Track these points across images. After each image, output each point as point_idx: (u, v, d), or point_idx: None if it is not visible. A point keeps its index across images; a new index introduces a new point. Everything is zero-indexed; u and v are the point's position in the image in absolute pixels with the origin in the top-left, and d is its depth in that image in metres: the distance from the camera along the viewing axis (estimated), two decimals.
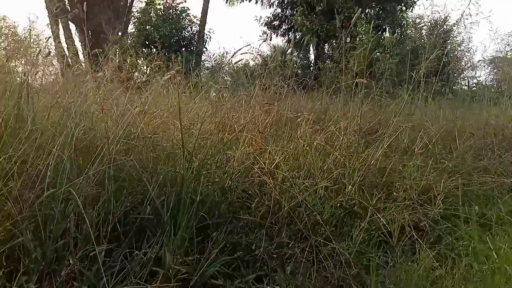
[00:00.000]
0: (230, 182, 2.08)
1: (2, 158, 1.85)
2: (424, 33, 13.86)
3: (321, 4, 11.98)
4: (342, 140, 2.73)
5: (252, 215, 2.08)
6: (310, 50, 17.40)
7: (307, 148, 2.67)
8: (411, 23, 12.83)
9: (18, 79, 2.74)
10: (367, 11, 12.67)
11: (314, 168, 2.50)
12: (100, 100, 2.82)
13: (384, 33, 12.27)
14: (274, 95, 3.85)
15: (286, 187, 2.16)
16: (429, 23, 13.43)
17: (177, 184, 1.97)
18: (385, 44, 11.54)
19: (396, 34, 12.40)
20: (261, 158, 2.37)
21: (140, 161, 2.18)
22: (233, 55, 3.12)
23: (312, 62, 17.01)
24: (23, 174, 1.94)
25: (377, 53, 11.35)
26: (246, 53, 3.52)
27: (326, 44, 14.55)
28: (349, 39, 11.88)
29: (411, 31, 12.86)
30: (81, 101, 2.56)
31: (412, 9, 12.63)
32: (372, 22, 11.72)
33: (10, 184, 1.83)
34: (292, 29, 16.24)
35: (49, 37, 2.97)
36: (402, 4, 12.31)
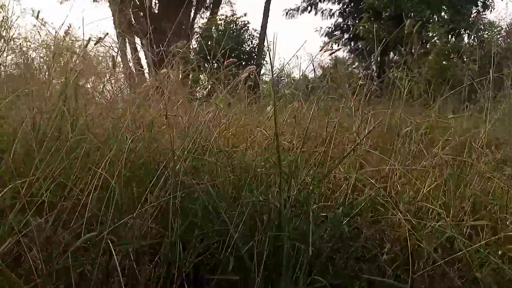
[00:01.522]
0: (350, 222, 1.36)
1: (31, 182, 1.29)
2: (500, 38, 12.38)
3: (388, 9, 11.03)
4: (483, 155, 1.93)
5: (381, 270, 1.35)
6: (372, 60, 16.34)
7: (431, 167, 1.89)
8: (489, 26, 11.47)
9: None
10: (440, 14, 11.52)
11: (450, 195, 1.72)
12: (162, 106, 2.24)
13: (458, 37, 11.04)
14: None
15: (430, 225, 1.39)
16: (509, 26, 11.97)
17: (270, 221, 1.29)
18: (461, 49, 10.35)
19: (472, 38, 11.14)
20: (380, 182, 1.64)
21: (215, 185, 1.53)
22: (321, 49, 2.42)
23: (375, 72, 15.95)
24: (59, 204, 1.36)
25: (453, 59, 10.19)
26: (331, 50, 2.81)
27: (391, 52, 13.49)
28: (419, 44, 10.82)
29: (489, 34, 11.49)
30: (140, 106, 1.99)
31: (491, 11, 11.29)
32: (446, 26, 10.58)
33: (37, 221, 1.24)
34: (355, 39, 15.30)
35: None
36: (479, 6, 11.04)
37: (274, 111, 1.29)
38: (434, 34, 11.16)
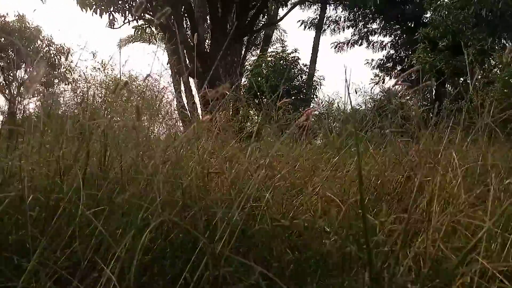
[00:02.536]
0: None
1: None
2: None
3: (445, 39, 10.30)
4: None
5: None
6: (426, 91, 15.43)
7: None
8: None
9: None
10: (503, 41, 10.62)
11: None
12: (204, 155, 1.86)
13: None
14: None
15: None
16: None
17: None
18: None
19: None
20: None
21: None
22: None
23: (430, 103, 15.00)
24: None
25: None
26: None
27: (447, 84, 12.60)
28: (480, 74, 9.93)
29: None
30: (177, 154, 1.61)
31: None
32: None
33: None
34: (408, 70, 14.56)
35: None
36: None
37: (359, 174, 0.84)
38: (497, 63, 10.25)
